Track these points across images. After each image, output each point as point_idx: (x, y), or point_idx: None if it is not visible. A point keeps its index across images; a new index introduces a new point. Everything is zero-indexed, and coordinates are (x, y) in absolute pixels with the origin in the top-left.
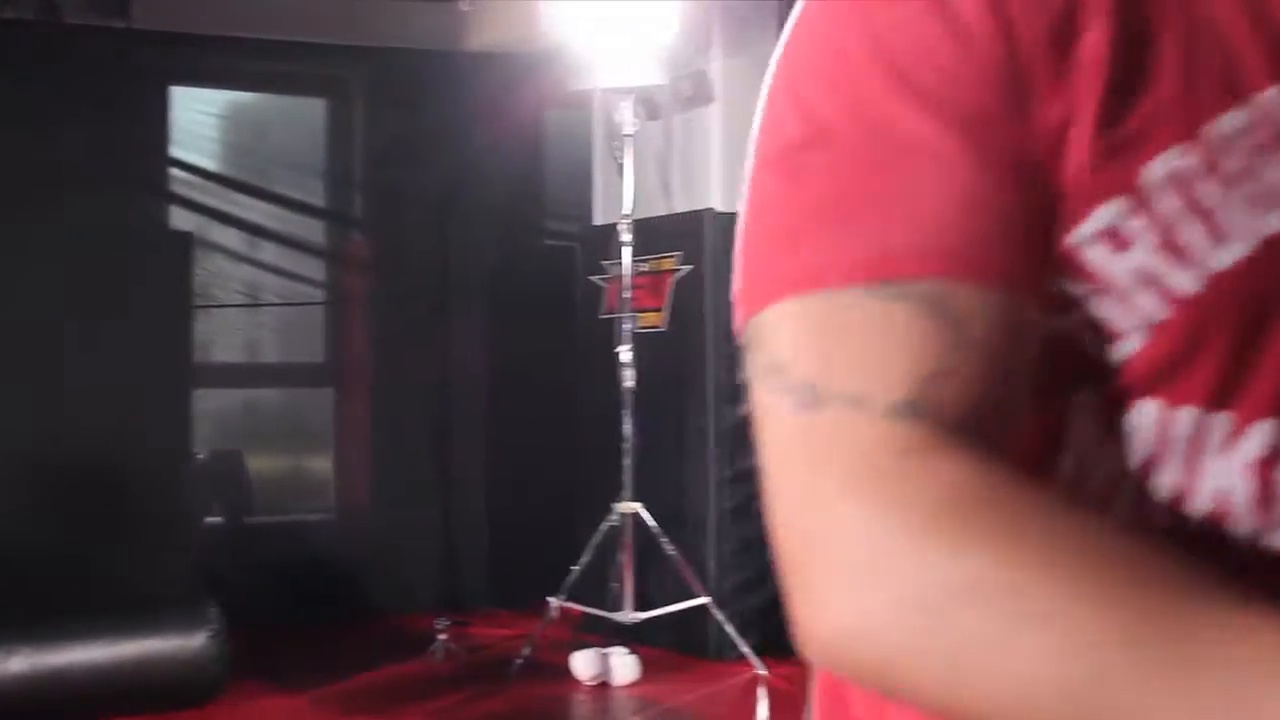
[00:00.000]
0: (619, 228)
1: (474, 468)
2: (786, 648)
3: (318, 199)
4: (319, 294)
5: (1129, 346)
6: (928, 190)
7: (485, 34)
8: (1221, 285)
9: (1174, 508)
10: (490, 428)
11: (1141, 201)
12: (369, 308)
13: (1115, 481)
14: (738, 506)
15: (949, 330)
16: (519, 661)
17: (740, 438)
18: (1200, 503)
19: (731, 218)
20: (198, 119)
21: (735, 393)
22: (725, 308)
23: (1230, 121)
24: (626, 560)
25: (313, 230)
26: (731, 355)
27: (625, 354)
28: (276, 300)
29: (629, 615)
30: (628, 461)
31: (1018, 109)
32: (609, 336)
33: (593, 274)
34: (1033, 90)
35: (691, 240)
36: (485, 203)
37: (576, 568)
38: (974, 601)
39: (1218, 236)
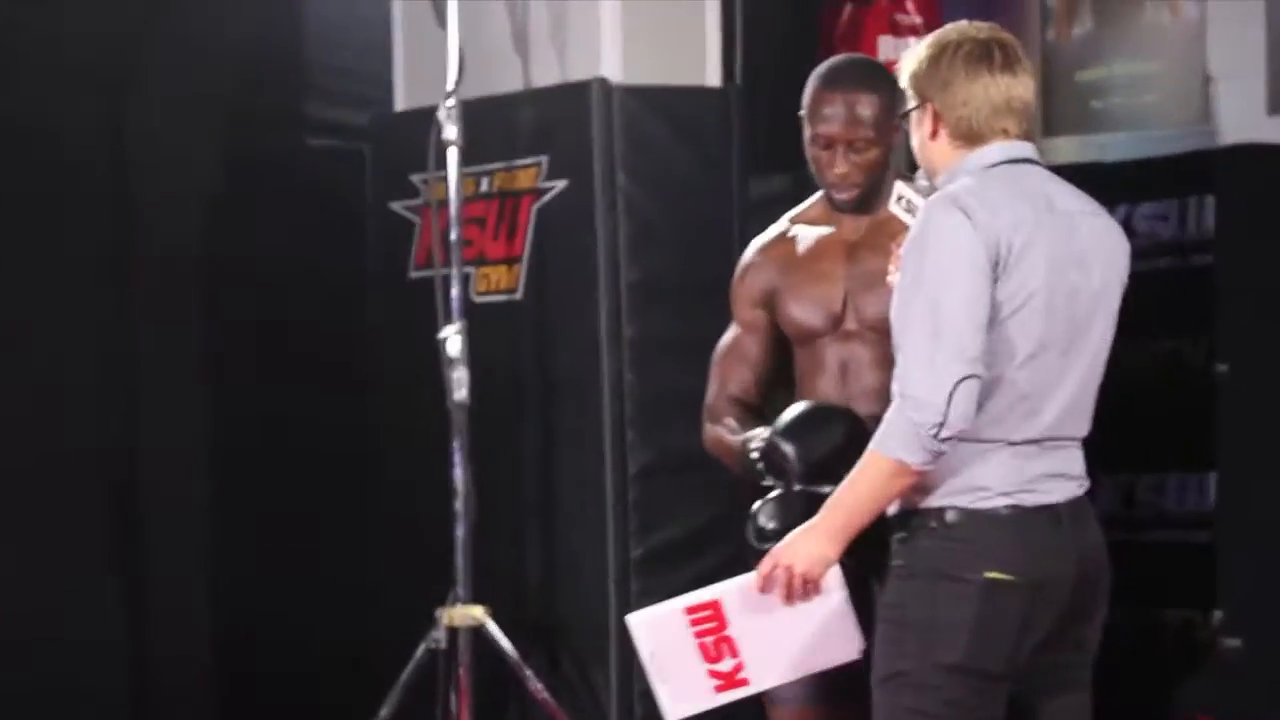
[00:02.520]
0: (439, 115)
1: (188, 552)
2: None
3: None
4: None
5: None
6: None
7: None
8: None
9: None
10: (215, 479)
11: None
12: None
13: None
14: None
15: None
16: None
17: (658, 483)
18: None
19: (640, 95)
20: None
21: (652, 407)
22: (634, 259)
23: None
24: (463, 709)
25: None
26: (642, 340)
27: (454, 341)
28: None
29: None
30: (461, 533)
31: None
32: (424, 310)
33: (394, 198)
34: None
35: (567, 136)
36: (198, 72)
37: None
38: None
39: None
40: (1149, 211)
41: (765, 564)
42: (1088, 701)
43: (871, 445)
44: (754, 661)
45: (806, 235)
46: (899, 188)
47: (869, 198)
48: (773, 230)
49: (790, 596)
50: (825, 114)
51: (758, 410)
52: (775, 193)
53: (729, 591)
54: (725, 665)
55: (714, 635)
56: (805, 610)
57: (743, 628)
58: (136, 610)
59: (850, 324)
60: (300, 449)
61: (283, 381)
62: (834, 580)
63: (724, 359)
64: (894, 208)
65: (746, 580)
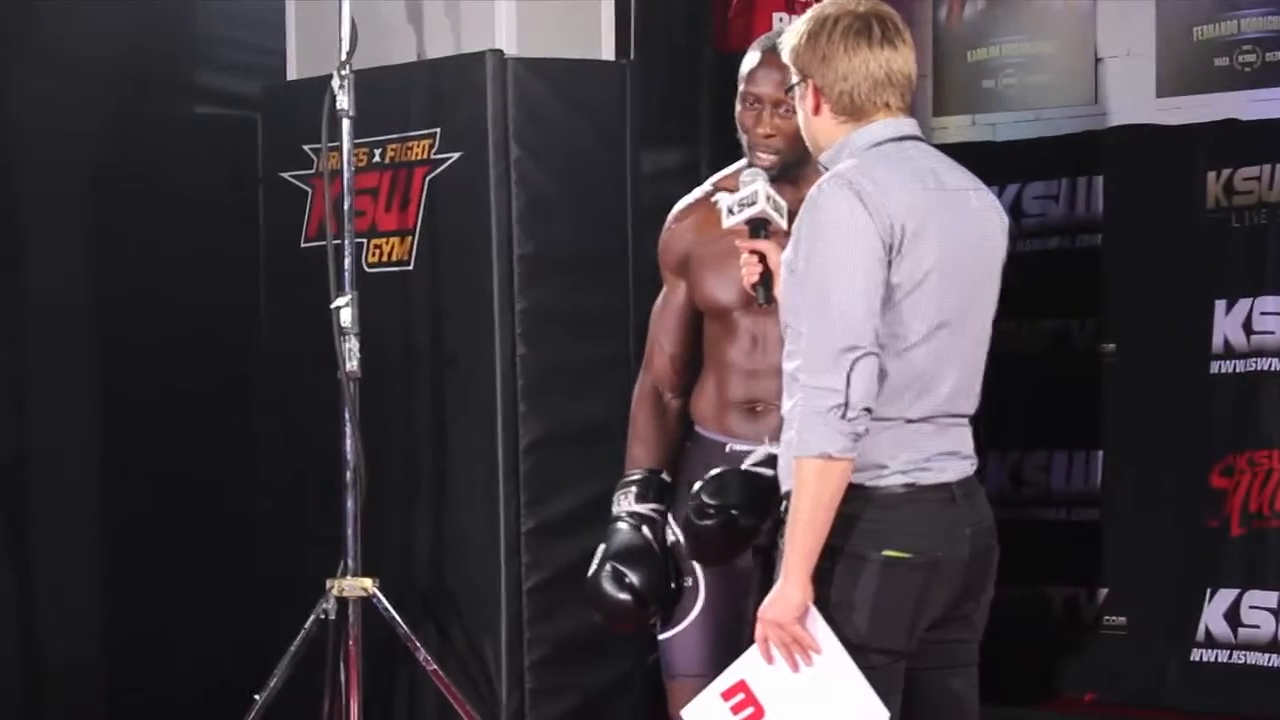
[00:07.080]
0: (332, 85)
1: (71, 517)
2: None
3: None
4: None
5: None
6: None
7: None
8: None
9: None
10: (105, 449)
11: None
12: None
13: None
14: (546, 582)
15: None
16: None
17: (549, 455)
18: None
19: (535, 67)
20: None
21: (544, 379)
22: (527, 231)
23: None
24: (353, 680)
25: None
26: (534, 312)
27: (346, 312)
28: None
29: None
30: (351, 505)
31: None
32: (316, 280)
33: (286, 168)
34: None
35: (461, 108)
36: (88, 37)
37: (260, 697)
38: None
39: None
40: (1038, 191)
41: (758, 631)
42: (974, 678)
43: (793, 455)
44: None
45: (727, 202)
46: (763, 188)
47: (790, 169)
48: (696, 193)
49: (790, 655)
50: (758, 75)
51: (684, 379)
52: (668, 167)
53: (751, 667)
54: None
55: None
56: (821, 678)
57: (777, 710)
58: (24, 589)
59: None
60: (190, 419)
61: (173, 352)
62: (830, 645)
63: (657, 319)
64: (763, 205)
65: (756, 652)
